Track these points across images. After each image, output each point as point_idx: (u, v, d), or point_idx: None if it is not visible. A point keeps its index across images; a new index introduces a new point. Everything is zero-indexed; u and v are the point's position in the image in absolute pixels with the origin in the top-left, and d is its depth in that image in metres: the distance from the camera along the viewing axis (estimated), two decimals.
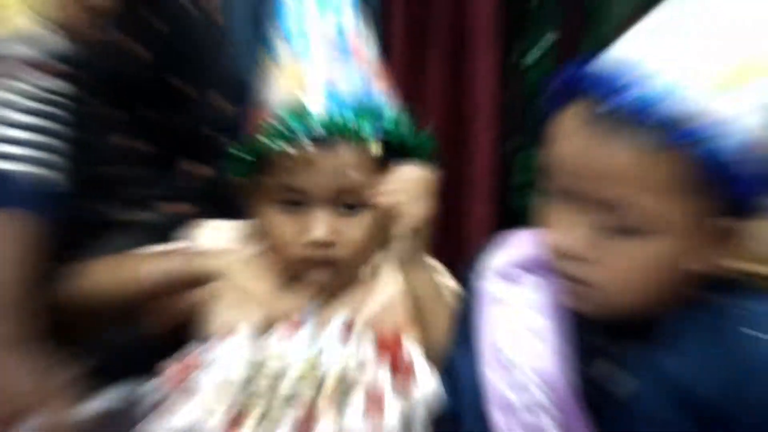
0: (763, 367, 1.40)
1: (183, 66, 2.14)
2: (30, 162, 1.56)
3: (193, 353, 1.32)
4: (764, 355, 1.41)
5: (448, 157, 2.07)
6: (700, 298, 1.47)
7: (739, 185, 1.37)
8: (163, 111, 2.17)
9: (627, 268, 1.41)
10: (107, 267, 1.84)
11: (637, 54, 1.37)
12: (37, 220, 1.51)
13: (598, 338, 1.53)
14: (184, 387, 1.26)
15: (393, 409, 1.24)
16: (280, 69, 1.89)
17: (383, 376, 1.28)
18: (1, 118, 1.58)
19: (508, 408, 1.56)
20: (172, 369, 1.30)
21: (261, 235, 1.93)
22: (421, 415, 1.27)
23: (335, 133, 1.76)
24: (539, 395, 1.55)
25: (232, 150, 1.89)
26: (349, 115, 1.79)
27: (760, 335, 1.41)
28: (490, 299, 1.61)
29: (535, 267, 1.57)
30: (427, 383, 1.29)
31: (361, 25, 1.96)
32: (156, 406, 1.28)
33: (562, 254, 1.44)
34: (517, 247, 1.63)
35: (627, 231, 1.38)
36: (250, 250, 1.95)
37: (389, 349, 1.31)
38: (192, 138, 2.15)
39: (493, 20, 2.35)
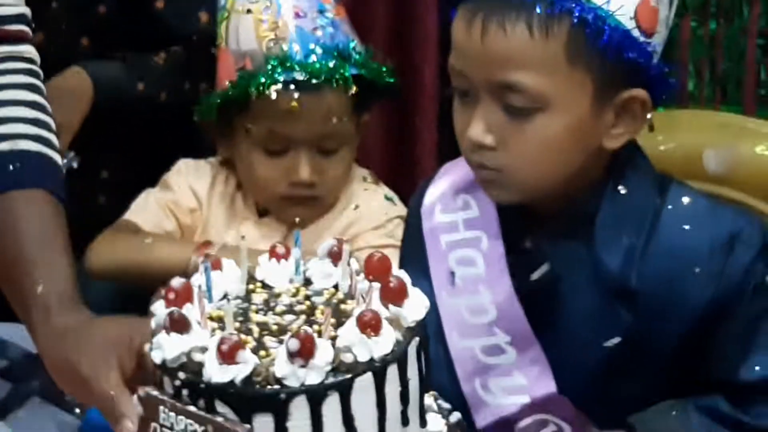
0: (690, 257, 1.48)
1: None
2: (35, 140, 1.54)
3: (185, 282, 1.29)
4: (691, 247, 1.49)
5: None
6: (627, 189, 1.54)
7: (624, 52, 1.46)
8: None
9: (528, 148, 1.48)
10: (122, 247, 1.84)
11: None
12: (54, 199, 1.52)
13: (534, 239, 1.58)
14: (177, 316, 1.23)
15: (388, 337, 1.22)
16: (247, 8, 1.88)
17: (375, 303, 1.26)
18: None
19: (465, 328, 1.59)
20: (167, 296, 1.28)
21: (236, 172, 1.97)
22: (415, 343, 1.25)
23: (319, 79, 1.79)
24: (492, 313, 1.58)
25: (208, 95, 1.90)
26: (330, 60, 1.81)
27: (686, 227, 1.50)
28: (435, 225, 1.64)
29: (470, 186, 1.62)
30: (418, 310, 1.27)
31: None
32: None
33: (469, 146, 1.50)
34: (453, 172, 1.66)
35: (522, 111, 1.46)
36: (231, 182, 1.98)
37: (377, 274, 1.28)
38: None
39: None
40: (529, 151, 1.49)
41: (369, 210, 1.98)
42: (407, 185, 2.01)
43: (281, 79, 1.79)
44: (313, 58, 1.81)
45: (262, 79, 1.80)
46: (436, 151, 2.33)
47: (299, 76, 1.80)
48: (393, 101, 2.20)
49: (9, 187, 1.50)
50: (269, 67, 1.80)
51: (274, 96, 1.79)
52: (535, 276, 1.56)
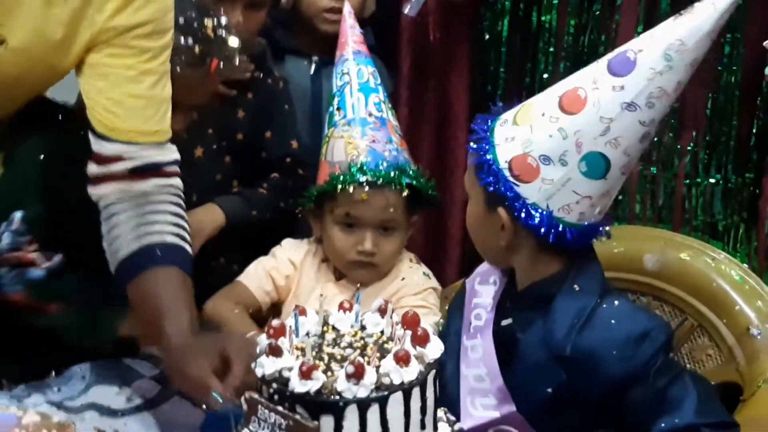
0: (612, 342, 1.46)
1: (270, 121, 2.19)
2: (175, 236, 1.59)
3: (281, 323, 1.32)
4: (613, 336, 1.47)
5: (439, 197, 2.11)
6: (580, 287, 1.52)
7: (489, 177, 1.49)
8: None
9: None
10: (220, 308, 1.92)
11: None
12: (182, 272, 1.55)
13: (511, 303, 1.60)
14: (274, 346, 1.27)
15: (414, 368, 1.24)
16: (341, 135, 1.94)
17: (407, 345, 1.29)
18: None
19: (469, 362, 1.60)
20: (269, 332, 1.31)
21: (323, 246, 2.01)
22: (432, 373, 1.28)
23: (382, 180, 1.85)
24: (480, 352, 1.59)
25: (311, 188, 1.96)
26: (391, 169, 1.87)
27: (612, 321, 1.48)
28: (472, 290, 1.68)
29: (498, 272, 1.65)
30: (436, 351, 1.29)
31: (389, 102, 2.01)
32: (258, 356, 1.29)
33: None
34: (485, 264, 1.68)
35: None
36: (318, 256, 2.02)
37: (410, 325, 1.31)
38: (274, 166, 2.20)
39: (466, 101, 2.37)
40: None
41: (412, 281, 1.99)
42: (438, 267, 2.04)
43: (358, 178, 1.85)
44: (381, 167, 1.87)
45: (346, 178, 1.86)
46: (462, 245, 2.34)
47: (370, 178, 1.85)
48: (433, 209, 2.22)
49: (156, 264, 1.53)
50: (351, 171, 1.86)
51: (351, 189, 1.85)
52: (503, 324, 1.58)
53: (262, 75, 2.22)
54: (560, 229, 1.49)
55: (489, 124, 1.53)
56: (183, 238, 1.59)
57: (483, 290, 1.65)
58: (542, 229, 1.48)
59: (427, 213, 2.34)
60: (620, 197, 2.20)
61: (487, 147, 1.50)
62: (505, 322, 1.59)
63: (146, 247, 1.54)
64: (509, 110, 1.55)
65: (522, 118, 1.51)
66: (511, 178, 1.48)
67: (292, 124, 2.24)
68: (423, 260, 2.09)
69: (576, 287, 1.52)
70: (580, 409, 1.48)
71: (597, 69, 1.48)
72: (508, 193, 1.48)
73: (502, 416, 1.52)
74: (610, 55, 1.48)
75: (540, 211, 1.48)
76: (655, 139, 2.16)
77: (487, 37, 2.36)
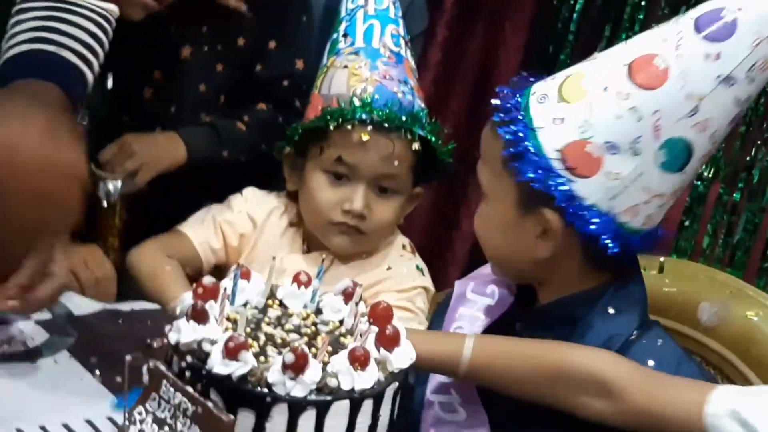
0: None
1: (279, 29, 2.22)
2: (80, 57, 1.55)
3: (215, 282, 1.33)
4: None
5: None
6: (615, 311, 1.54)
7: (534, 171, 1.47)
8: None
9: (477, 224, 1.59)
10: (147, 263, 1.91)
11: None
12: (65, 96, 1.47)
13: (522, 324, 1.61)
14: (199, 308, 1.28)
15: (372, 374, 1.26)
16: (344, 65, 1.95)
17: (369, 344, 1.29)
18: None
19: (437, 385, 1.61)
20: (197, 290, 1.32)
21: (298, 204, 2.02)
22: (393, 387, 1.29)
23: (390, 123, 1.86)
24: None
25: (296, 124, 1.97)
26: (402, 113, 1.88)
27: (650, 362, 1.48)
28: (462, 296, 1.70)
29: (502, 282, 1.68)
30: (404, 359, 1.31)
31: (409, 39, 2.02)
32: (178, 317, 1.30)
33: None
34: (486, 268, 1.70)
35: (485, 195, 1.56)
36: (286, 216, 2.04)
37: (379, 320, 1.32)
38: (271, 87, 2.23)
39: (518, 60, 2.39)
40: (477, 228, 1.61)
41: (399, 274, 2.00)
42: (439, 264, 2.03)
43: (360, 115, 1.86)
44: (391, 109, 1.87)
45: (345, 113, 1.87)
46: (471, 241, 2.33)
47: (376, 118, 1.86)
48: (446, 191, 2.23)
49: (33, 76, 1.45)
50: (352, 105, 1.87)
51: (349, 127, 1.86)
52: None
53: None
54: (624, 237, 1.49)
55: (517, 99, 1.52)
56: (88, 63, 1.56)
57: (475, 301, 1.67)
58: (604, 239, 1.48)
59: (436, 192, 2.35)
60: (686, 222, 2.20)
61: (524, 130, 1.49)
62: None
63: (30, 52, 1.50)
64: (539, 81, 1.55)
65: (572, 93, 1.50)
66: (564, 172, 1.48)
67: (303, 39, 2.24)
68: (422, 254, 2.10)
69: (611, 310, 1.54)
70: None
71: (678, 31, 1.47)
72: (558, 191, 1.47)
73: None
74: (693, 13, 1.46)
75: (601, 214, 1.48)
76: (747, 158, 2.18)
77: None
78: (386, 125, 1.89)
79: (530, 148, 1.48)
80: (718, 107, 1.45)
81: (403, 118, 1.90)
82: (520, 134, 1.48)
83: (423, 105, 1.97)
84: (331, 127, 1.89)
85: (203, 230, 2.03)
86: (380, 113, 1.88)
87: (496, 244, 1.59)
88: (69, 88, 1.46)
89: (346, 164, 1.91)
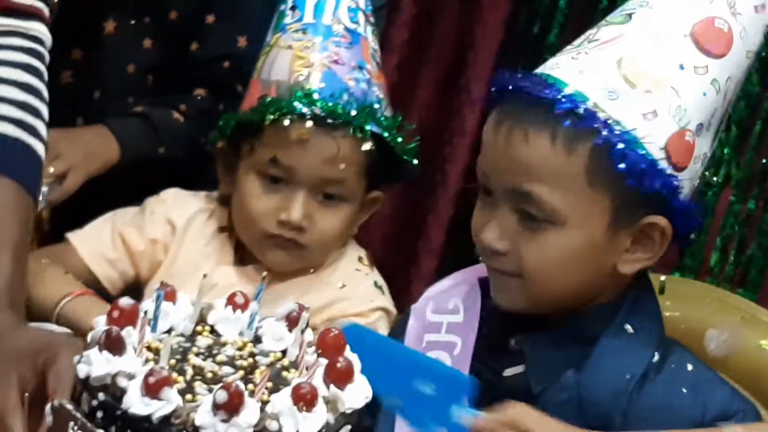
0: (681, 418, 1.53)
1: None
2: (17, 125, 1.52)
3: (133, 304, 1.30)
4: (683, 409, 1.55)
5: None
6: (633, 329, 1.59)
7: (647, 181, 1.52)
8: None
9: (542, 258, 1.54)
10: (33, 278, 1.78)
11: (549, 67, 1.57)
12: (21, 191, 1.49)
13: (519, 341, 1.62)
14: (114, 336, 1.23)
15: (320, 416, 1.22)
16: (288, 44, 1.92)
17: (318, 379, 1.26)
18: None
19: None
20: (112, 313, 1.28)
21: (229, 206, 1.98)
22: (345, 429, 1.26)
23: (335, 119, 1.82)
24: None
25: (229, 115, 1.93)
26: (351, 106, 1.84)
27: (684, 390, 1.57)
28: (423, 324, 1.69)
29: (466, 292, 1.69)
30: (358, 398, 1.27)
31: (371, 15, 1.98)
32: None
33: (481, 250, 1.58)
34: (459, 276, 1.73)
35: (535, 221, 1.52)
36: (214, 220, 1.99)
37: (328, 351, 1.30)
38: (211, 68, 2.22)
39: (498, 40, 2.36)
40: (540, 262, 1.55)
41: (356, 293, 1.99)
42: (399, 279, 2.00)
43: (299, 108, 1.82)
44: (339, 100, 1.84)
45: (282, 105, 1.82)
46: (439, 254, 2.31)
47: (318, 111, 1.82)
48: (411, 195, 2.20)
49: None
50: (292, 96, 1.83)
51: (286, 123, 1.81)
52: (507, 373, 1.61)
53: None
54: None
55: (573, 99, 1.52)
56: (32, 130, 1.53)
57: (439, 322, 1.66)
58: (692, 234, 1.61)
59: (399, 196, 2.33)
60: (692, 235, 2.17)
61: (620, 137, 1.50)
62: (511, 371, 1.60)
63: None
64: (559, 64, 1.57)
65: (645, 81, 1.53)
66: (670, 170, 1.53)
67: (246, 12, 2.23)
68: (381, 269, 2.09)
69: (629, 328, 1.57)
70: None
71: None
72: (671, 194, 1.54)
73: None
74: None
75: (691, 206, 1.58)
76: (763, 161, 2.17)
77: None
78: (330, 121, 1.84)
79: (634, 154, 1.51)
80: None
81: (352, 113, 1.86)
82: (620, 144, 1.50)
83: (381, 95, 1.94)
84: (266, 121, 1.85)
85: (95, 238, 1.99)
86: (324, 106, 1.84)
87: (570, 279, 1.58)
88: (17, 174, 1.48)
89: (281, 166, 1.88)
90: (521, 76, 1.55)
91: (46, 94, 1.58)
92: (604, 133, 1.50)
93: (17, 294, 1.44)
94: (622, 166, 1.50)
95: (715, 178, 2.21)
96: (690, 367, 1.59)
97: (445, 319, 1.67)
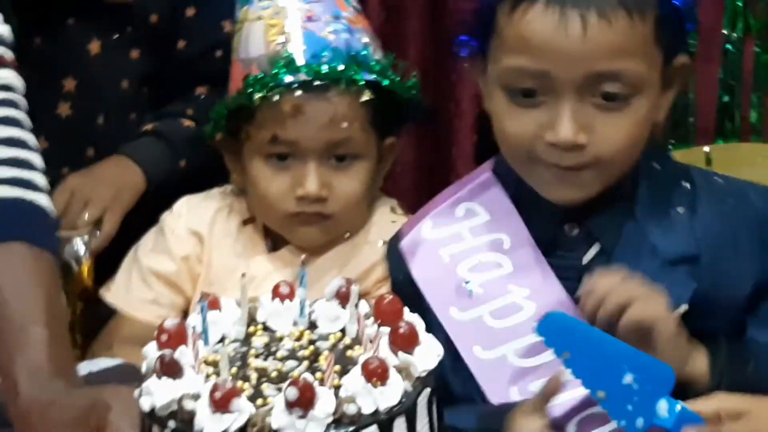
0: (738, 223, 1.63)
1: None
2: (12, 184, 1.52)
3: (179, 323, 1.31)
4: (737, 214, 1.64)
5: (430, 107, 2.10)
6: (660, 165, 1.69)
7: (687, 23, 1.63)
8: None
9: (623, 134, 1.57)
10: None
11: None
12: (37, 250, 1.50)
13: (575, 226, 1.66)
14: (168, 360, 1.24)
15: (396, 387, 1.23)
16: (258, 15, 1.91)
17: (384, 350, 1.26)
18: None
19: (490, 337, 1.61)
20: (160, 338, 1.30)
21: (246, 196, 1.99)
22: (426, 393, 1.26)
23: (323, 80, 1.82)
24: (530, 310, 1.62)
25: (217, 105, 1.93)
26: (336, 61, 1.83)
27: (730, 199, 1.66)
28: (429, 246, 1.69)
29: (471, 195, 1.70)
30: (430, 358, 1.28)
31: None
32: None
33: (551, 151, 1.57)
34: (433, 204, 1.74)
35: (618, 99, 1.56)
36: (236, 215, 2.00)
37: (388, 318, 1.30)
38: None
39: None
40: (623, 138, 1.58)
41: None
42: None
43: (286, 80, 1.81)
44: (323, 58, 1.83)
45: (267, 81, 1.82)
46: (470, 161, 2.33)
47: (305, 77, 1.82)
48: (426, 127, 2.19)
49: None
50: (274, 70, 1.82)
51: (276, 98, 1.81)
52: (585, 260, 1.64)
53: None
54: None
55: None
56: (28, 185, 1.53)
57: (454, 232, 1.68)
58: None
59: (418, 136, 2.32)
60: (725, 98, 2.22)
61: None
62: (589, 255, 1.65)
63: None
64: None
65: None
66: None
67: None
68: (413, 211, 2.05)
69: (657, 166, 1.66)
70: (720, 326, 1.61)
71: None
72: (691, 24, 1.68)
73: None
74: None
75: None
76: None
77: None
78: (319, 83, 1.84)
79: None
80: None
81: (339, 68, 1.85)
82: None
83: (366, 39, 1.92)
84: (256, 102, 1.85)
85: (128, 286, 2.01)
86: (308, 70, 1.83)
87: (638, 148, 1.63)
88: (27, 236, 1.51)
89: (283, 142, 1.87)
90: None
91: (33, 140, 1.57)
92: None
93: (61, 359, 1.45)
94: (680, 10, 1.60)
95: (734, 34, 2.19)
96: (719, 180, 1.69)
97: (462, 227, 1.68)
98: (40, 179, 1.56)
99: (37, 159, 1.56)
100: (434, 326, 1.53)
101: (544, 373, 1.54)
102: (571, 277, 1.62)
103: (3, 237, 1.49)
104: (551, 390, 1.48)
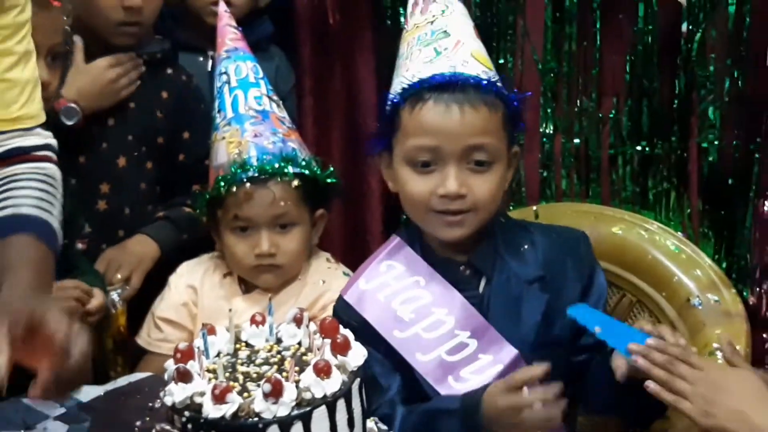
0: (565, 248, 1.65)
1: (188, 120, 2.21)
2: (36, 208, 1.49)
3: (188, 345, 1.30)
4: (562, 243, 1.65)
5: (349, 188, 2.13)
6: (504, 218, 1.70)
7: (520, 121, 1.63)
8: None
9: (489, 190, 1.58)
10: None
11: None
12: (42, 244, 1.44)
13: (466, 265, 1.65)
14: (182, 370, 1.24)
15: (337, 379, 1.23)
16: (222, 137, 1.93)
17: (327, 355, 1.27)
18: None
19: (426, 345, 1.59)
20: (176, 356, 1.29)
21: (225, 257, 2.00)
22: (357, 382, 1.27)
23: (265, 174, 1.85)
24: (450, 322, 1.60)
25: (200, 198, 1.96)
26: (274, 161, 1.86)
27: (553, 235, 1.67)
28: (368, 295, 1.65)
29: (388, 257, 1.67)
30: (358, 358, 1.28)
31: (273, 95, 1.99)
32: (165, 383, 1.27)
33: (440, 201, 1.57)
34: (363, 269, 1.69)
35: (484, 165, 1.57)
36: (219, 271, 2.00)
37: (328, 333, 1.30)
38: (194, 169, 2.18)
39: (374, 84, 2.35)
40: (490, 191, 1.59)
41: (334, 285, 1.96)
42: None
43: (240, 176, 1.84)
44: (264, 161, 1.86)
45: (228, 179, 1.85)
46: (381, 240, 2.31)
47: (253, 174, 1.84)
48: (350, 207, 2.22)
49: (8, 233, 1.42)
50: (233, 170, 1.85)
51: (234, 189, 1.83)
52: (480, 289, 1.63)
53: (172, 72, 2.24)
54: None
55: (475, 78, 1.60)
56: (47, 211, 1.49)
57: (382, 282, 1.64)
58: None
59: (342, 208, 2.33)
60: (544, 173, 2.20)
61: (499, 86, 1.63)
62: (482, 285, 1.63)
63: None
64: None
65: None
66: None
67: (206, 123, 2.22)
68: (341, 258, 2.08)
69: (503, 219, 1.68)
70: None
71: None
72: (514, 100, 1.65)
73: (508, 366, 1.54)
74: None
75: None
76: (575, 108, 2.18)
77: (389, 13, 2.31)
78: (261, 176, 1.85)
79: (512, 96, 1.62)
80: None
81: (276, 165, 1.88)
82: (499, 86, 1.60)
83: (296, 145, 1.95)
84: (223, 193, 1.87)
85: (150, 332, 2.02)
86: (254, 168, 1.86)
87: (499, 199, 1.63)
88: (41, 234, 1.45)
89: (242, 219, 1.90)
90: (451, 75, 1.57)
91: (58, 202, 1.53)
92: (506, 93, 1.60)
93: (34, 288, 1.36)
94: (514, 110, 1.61)
95: (548, 130, 2.20)
96: (541, 226, 1.74)
97: (386, 278, 1.65)
98: (56, 213, 1.51)
99: (57, 210, 1.52)
100: (388, 349, 1.57)
101: (467, 363, 1.55)
102: (475, 304, 1.61)
103: (18, 231, 1.44)
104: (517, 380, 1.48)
